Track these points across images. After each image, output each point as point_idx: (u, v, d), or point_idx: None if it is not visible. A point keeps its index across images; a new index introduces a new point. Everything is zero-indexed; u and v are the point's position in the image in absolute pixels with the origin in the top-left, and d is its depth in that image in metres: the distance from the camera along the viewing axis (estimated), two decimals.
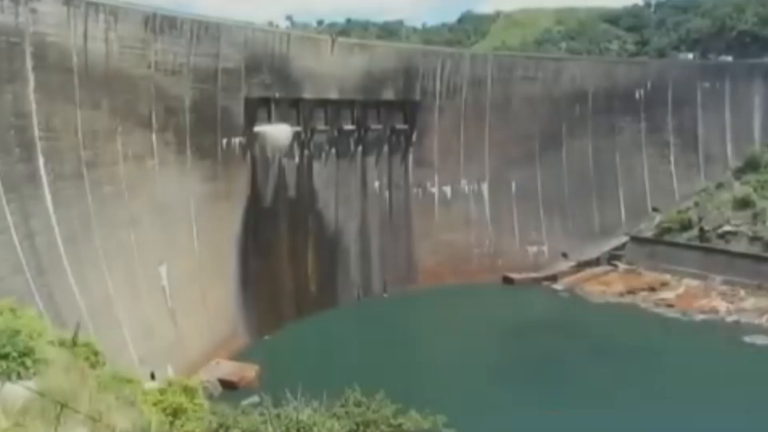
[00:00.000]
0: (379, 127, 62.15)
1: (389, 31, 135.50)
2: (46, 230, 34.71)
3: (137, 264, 41.53)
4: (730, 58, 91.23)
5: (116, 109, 40.31)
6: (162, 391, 15.30)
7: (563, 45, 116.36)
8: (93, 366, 14.82)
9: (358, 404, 14.78)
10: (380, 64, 61.48)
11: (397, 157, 64.75)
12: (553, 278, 67.68)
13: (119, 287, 39.28)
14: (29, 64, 34.04)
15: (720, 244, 68.71)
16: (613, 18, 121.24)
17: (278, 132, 53.17)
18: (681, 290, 65.31)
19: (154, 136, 43.84)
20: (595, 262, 71.31)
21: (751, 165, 76.03)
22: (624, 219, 76.17)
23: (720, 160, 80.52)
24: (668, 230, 72.74)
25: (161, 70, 43.37)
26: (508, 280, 66.91)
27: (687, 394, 43.44)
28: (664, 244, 71.76)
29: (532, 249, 70.94)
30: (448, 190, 68.12)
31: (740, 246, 67.81)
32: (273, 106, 53.20)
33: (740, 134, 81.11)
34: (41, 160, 34.75)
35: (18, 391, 9.53)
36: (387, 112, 62.69)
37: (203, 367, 43.87)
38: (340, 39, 62.55)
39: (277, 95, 53.15)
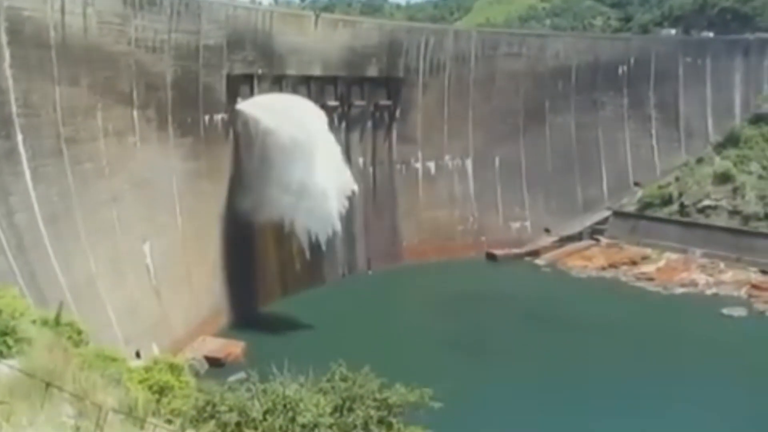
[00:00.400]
0: (363, 103, 61.96)
1: (373, 7, 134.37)
2: (26, 208, 34.33)
3: (120, 242, 41.26)
4: (711, 35, 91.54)
5: (96, 86, 39.80)
6: (147, 369, 15.35)
7: (548, 22, 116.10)
8: (76, 345, 14.87)
9: (344, 379, 14.71)
10: (364, 40, 61.14)
11: (381, 134, 64.69)
12: (536, 253, 68.25)
13: (102, 265, 39.01)
14: (4, 39, 33.38)
15: (700, 219, 69.64)
16: None
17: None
18: (662, 264, 66.19)
19: (135, 113, 43.43)
20: (578, 237, 71.97)
21: (731, 140, 76.72)
22: (606, 194, 76.76)
23: (701, 135, 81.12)
24: (650, 205, 73.49)
25: (141, 47, 42.88)
26: (491, 257, 67.37)
27: (663, 365, 44.21)
28: (645, 219, 72.52)
29: (515, 225, 71.44)
30: (432, 166, 68.22)
31: (720, 220, 68.76)
32: (256, 83, 52.81)
33: (721, 110, 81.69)
34: (20, 137, 34.24)
35: (1, 370, 9.51)
36: (371, 88, 62.47)
37: (189, 345, 44.02)
38: (324, 15, 62.11)
39: (260, 72, 52.83)
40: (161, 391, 14.39)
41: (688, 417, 37.75)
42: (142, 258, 43.19)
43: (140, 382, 14.46)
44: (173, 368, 15.77)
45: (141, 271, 42.94)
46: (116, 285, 40.03)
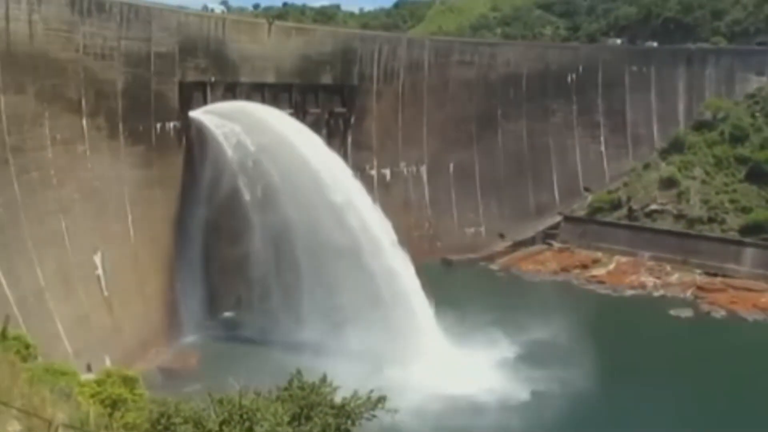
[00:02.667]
0: (318, 110, 61.86)
1: (326, 15, 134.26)
2: None
3: (70, 253, 40.44)
4: (655, 44, 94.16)
5: (43, 93, 39.06)
6: (100, 383, 15.20)
7: (498, 30, 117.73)
8: (24, 360, 14.61)
9: (301, 388, 14.45)
10: (318, 47, 61.20)
11: (336, 141, 64.45)
12: (490, 258, 69.18)
13: (51, 277, 38.21)
14: None
15: (647, 223, 71.55)
16: (546, 4, 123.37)
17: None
18: (612, 267, 67.86)
19: (84, 121, 42.69)
20: (531, 242, 73.25)
21: (675, 146, 78.95)
22: (558, 199, 78.24)
23: (647, 142, 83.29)
24: (599, 210, 75.23)
25: (90, 54, 42.16)
26: (446, 262, 67.97)
27: (611, 364, 44.91)
28: (595, 223, 74.21)
29: (470, 230, 72.29)
30: (387, 172, 68.63)
31: (666, 224, 70.79)
32: (209, 90, 52.34)
33: (665, 116, 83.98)
34: None
35: None
36: (325, 95, 62.51)
37: (143, 356, 43.24)
38: (277, 22, 62.00)
39: (213, 79, 52.34)
40: (114, 404, 14.24)
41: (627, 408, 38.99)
42: (93, 269, 42.32)
43: (92, 396, 14.27)
44: (126, 381, 15.64)
45: (92, 283, 42.04)
46: (66, 297, 39.23)
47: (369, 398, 14.50)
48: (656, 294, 61.97)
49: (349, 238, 45.81)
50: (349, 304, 44.69)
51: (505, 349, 46.53)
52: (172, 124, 49.46)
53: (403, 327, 44.52)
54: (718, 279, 63.82)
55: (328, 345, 41.41)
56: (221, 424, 12.55)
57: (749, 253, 65.54)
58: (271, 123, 50.35)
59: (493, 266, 68.28)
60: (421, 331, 45.43)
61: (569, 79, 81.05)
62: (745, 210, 68.42)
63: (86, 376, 18.29)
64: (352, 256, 45.44)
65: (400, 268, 47.28)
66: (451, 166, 72.14)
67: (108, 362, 37.05)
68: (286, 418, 13.21)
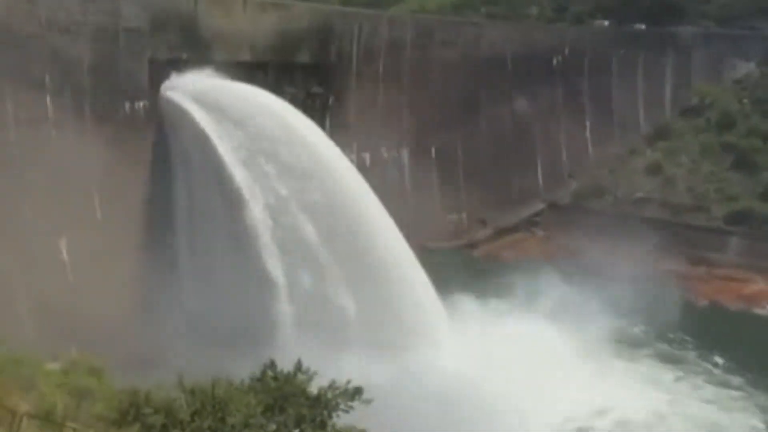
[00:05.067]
0: (294, 90, 60.12)
1: None
2: None
3: (33, 237, 39.00)
4: (643, 26, 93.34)
5: (3, 70, 37.47)
6: (66, 372, 14.90)
7: (483, 10, 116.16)
8: None
9: (275, 378, 14.53)
10: (295, 24, 59.36)
11: (314, 123, 63.03)
12: (472, 245, 68.26)
13: (13, 263, 36.88)
14: None
15: (633, 211, 70.71)
16: None
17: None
18: None
19: (48, 99, 41.17)
20: (513, 229, 72.30)
21: (661, 132, 78.33)
22: (542, 185, 77.34)
23: (633, 128, 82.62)
24: (583, 197, 74.34)
25: (54, 29, 40.41)
26: (427, 249, 66.69)
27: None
28: (579, 211, 73.27)
29: (452, 216, 71.20)
30: (367, 157, 67.17)
31: (651, 212, 69.99)
32: (181, 68, 50.49)
33: (652, 102, 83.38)
34: None
35: None
36: (302, 75, 60.66)
37: (112, 345, 41.88)
38: None
39: (185, 56, 50.45)
40: (81, 394, 13.77)
41: None
42: (58, 254, 40.85)
43: (58, 386, 13.82)
44: (93, 371, 15.30)
45: (57, 268, 40.55)
46: (29, 283, 37.82)
47: (346, 389, 14.56)
48: None
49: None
50: None
51: None
52: (141, 104, 47.76)
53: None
54: (702, 267, 63.39)
55: None
56: (193, 414, 12.46)
57: (735, 242, 65.18)
58: (247, 100, 48.85)
59: (475, 253, 67.52)
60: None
61: (555, 61, 79.86)
62: (731, 198, 67.90)
63: (52, 366, 17.73)
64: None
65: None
66: (433, 150, 70.87)
67: (74, 351, 35.62)
68: (260, 409, 13.21)
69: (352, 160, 65.88)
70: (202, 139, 46.48)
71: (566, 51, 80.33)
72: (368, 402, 14.67)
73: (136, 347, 42.42)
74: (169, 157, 49.87)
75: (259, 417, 13.02)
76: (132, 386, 14.01)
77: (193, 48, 50.89)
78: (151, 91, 48.00)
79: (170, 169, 49.91)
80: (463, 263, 64.57)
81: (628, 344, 48.49)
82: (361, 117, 66.10)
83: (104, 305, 42.88)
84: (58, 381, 14.09)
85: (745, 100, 77.09)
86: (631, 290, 48.48)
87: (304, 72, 60.92)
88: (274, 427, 13.40)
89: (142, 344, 42.59)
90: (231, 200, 45.46)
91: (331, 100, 63.62)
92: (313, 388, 14.96)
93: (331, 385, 14.64)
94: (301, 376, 14.70)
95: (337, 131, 64.60)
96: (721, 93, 78.27)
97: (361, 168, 66.72)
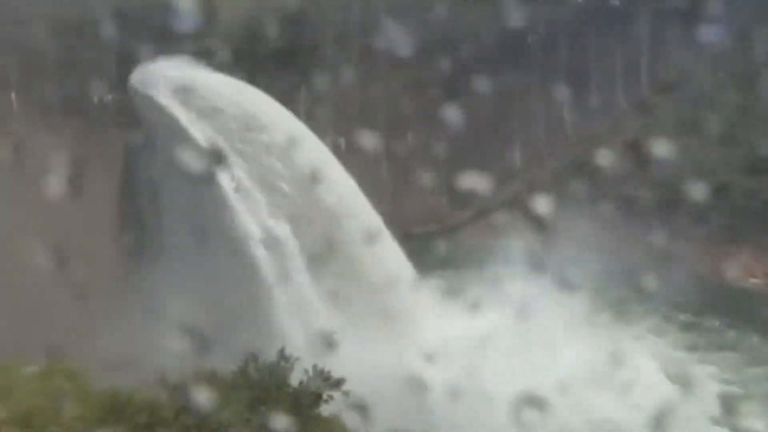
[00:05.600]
0: (267, 77, 59.00)
1: None
2: None
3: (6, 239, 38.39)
4: (617, 1, 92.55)
5: None
6: (43, 377, 15.02)
7: None
8: None
9: (258, 370, 15.21)
10: (267, 10, 58.29)
11: (290, 108, 62.17)
12: (453, 228, 67.94)
13: None
14: None
15: (613, 189, 70.57)
16: None
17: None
18: None
19: (13, 95, 40.17)
20: (495, 210, 71.81)
21: (639, 109, 77.98)
22: (521, 166, 76.91)
23: (612, 105, 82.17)
24: (563, 176, 74.06)
25: (13, 19, 39.19)
26: (409, 233, 66.38)
27: None
28: (559, 190, 72.98)
29: (432, 200, 70.73)
30: (342, 142, 66.48)
31: (631, 190, 69.98)
32: (150, 58, 49.22)
33: (629, 78, 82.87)
34: None
35: None
36: (275, 61, 60.32)
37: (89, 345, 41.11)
38: None
39: (154, 46, 49.18)
40: (60, 398, 13.79)
41: None
42: (28, 253, 39.77)
43: (35, 391, 14.01)
44: (70, 375, 15.34)
45: (26, 268, 39.54)
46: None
47: (328, 380, 15.40)
48: None
49: None
50: None
51: None
52: (110, 96, 46.75)
53: None
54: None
55: None
56: (177, 412, 13.01)
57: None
58: (219, 88, 48.00)
59: (457, 236, 67.23)
60: None
61: (530, 39, 78.99)
62: (711, 174, 67.95)
63: (27, 370, 17.71)
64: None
65: None
66: (410, 133, 70.20)
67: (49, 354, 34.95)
68: (244, 404, 13.98)
69: (327, 145, 65.31)
70: (174, 130, 45.57)
71: (542, 28, 79.45)
72: (347, 392, 15.39)
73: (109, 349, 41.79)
74: (139, 150, 48.93)
75: (244, 412, 13.44)
76: (112, 388, 14.38)
77: (163, 37, 49.66)
78: (119, 83, 46.95)
79: (141, 162, 49.04)
80: (446, 247, 64.65)
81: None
82: (337, 102, 65.27)
83: (78, 305, 42.18)
84: (35, 386, 14.12)
85: (722, 76, 76.93)
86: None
87: (277, 58, 60.06)
88: (258, 421, 13.56)
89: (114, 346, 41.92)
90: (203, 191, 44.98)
91: (304, 86, 62.90)
92: (296, 377, 14.60)
93: (313, 377, 15.38)
94: (283, 364, 15.41)
95: (312, 117, 63.75)
96: (699, 68, 77.96)
97: (338, 153, 66.06)
